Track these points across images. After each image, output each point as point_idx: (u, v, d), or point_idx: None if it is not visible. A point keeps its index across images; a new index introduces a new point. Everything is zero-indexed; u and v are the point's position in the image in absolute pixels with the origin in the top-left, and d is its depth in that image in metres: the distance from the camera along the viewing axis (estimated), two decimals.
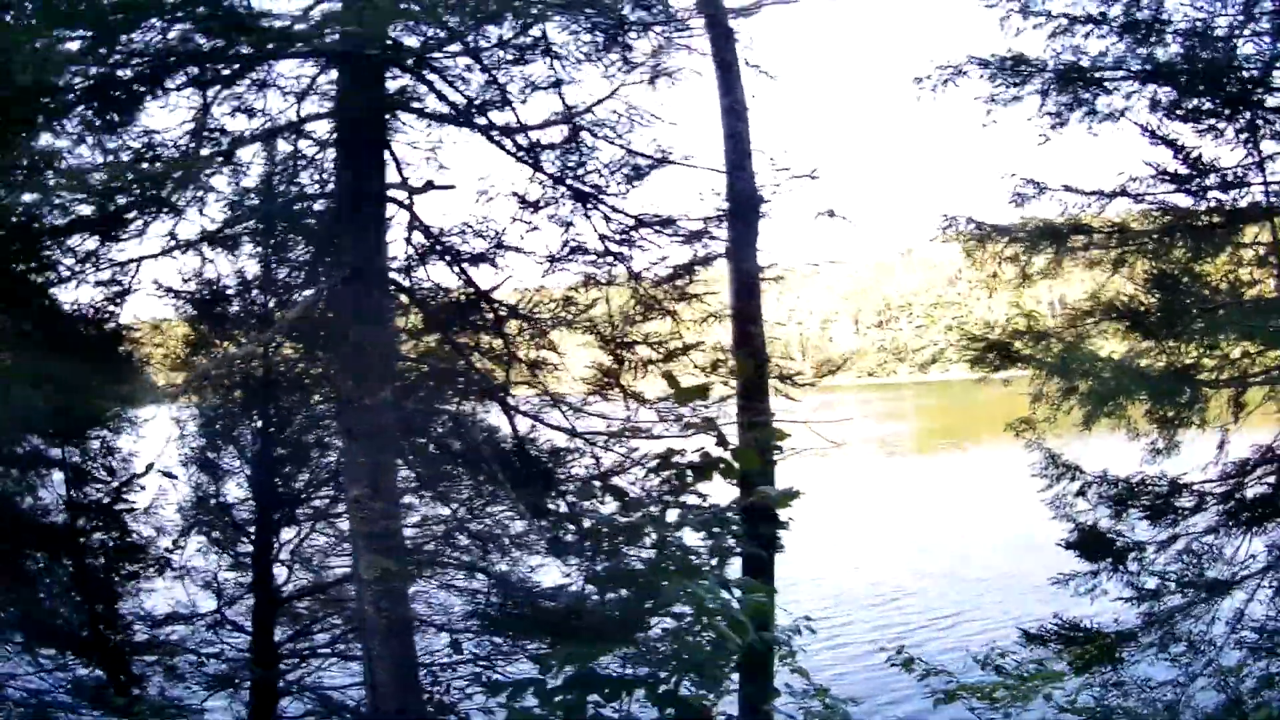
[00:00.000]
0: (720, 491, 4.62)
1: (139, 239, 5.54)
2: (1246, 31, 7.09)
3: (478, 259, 5.83)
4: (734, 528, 4.50)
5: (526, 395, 6.13)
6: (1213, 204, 7.30)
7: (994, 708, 5.34)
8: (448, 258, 5.80)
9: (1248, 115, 7.07)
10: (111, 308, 6.34)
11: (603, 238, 5.98)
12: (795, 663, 5.42)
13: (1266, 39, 7.10)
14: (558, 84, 5.47)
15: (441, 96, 5.44)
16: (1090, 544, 7.58)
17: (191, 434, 7.32)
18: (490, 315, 5.92)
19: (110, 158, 5.32)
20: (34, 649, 6.87)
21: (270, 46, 4.73)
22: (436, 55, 5.27)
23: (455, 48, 5.29)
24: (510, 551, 5.45)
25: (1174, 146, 7.15)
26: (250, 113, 5.63)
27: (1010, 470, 8.70)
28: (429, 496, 5.86)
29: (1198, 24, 7.08)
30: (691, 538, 4.50)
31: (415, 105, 5.53)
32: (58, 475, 6.98)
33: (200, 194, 5.55)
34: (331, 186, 5.58)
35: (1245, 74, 7.08)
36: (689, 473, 4.48)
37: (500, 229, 5.87)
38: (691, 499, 4.55)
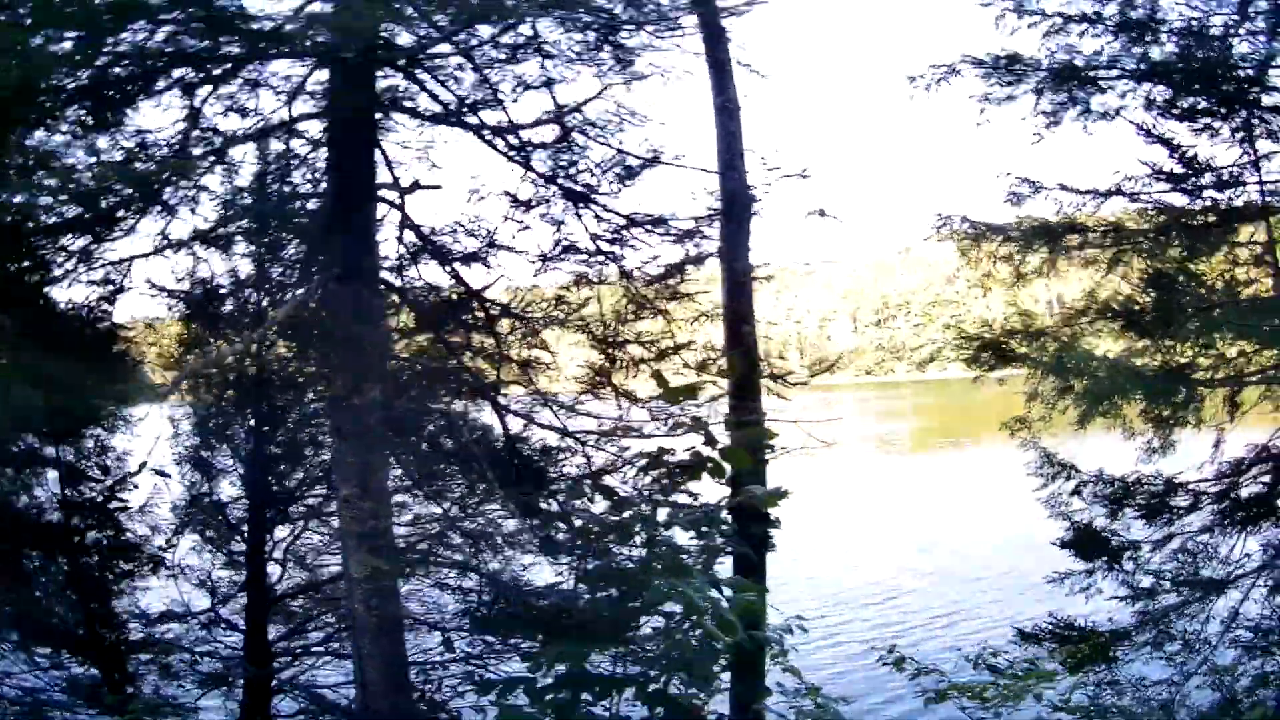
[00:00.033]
0: (713, 491, 4.62)
1: (130, 238, 5.54)
2: (1242, 31, 7.08)
3: (469, 258, 5.83)
4: (724, 527, 4.50)
5: (518, 395, 6.13)
6: (1208, 203, 7.31)
7: (985, 707, 5.34)
8: (439, 257, 5.79)
9: (1243, 114, 7.07)
10: (105, 307, 6.34)
11: (594, 237, 5.99)
12: (787, 662, 5.41)
13: (1262, 38, 7.09)
14: (549, 83, 5.47)
15: (433, 96, 5.43)
16: (1085, 543, 7.59)
17: (185, 433, 7.34)
18: (482, 314, 5.92)
19: (102, 157, 5.32)
20: (29, 647, 6.88)
21: (261, 46, 4.72)
22: (428, 54, 5.26)
23: (446, 47, 5.28)
24: (502, 550, 5.44)
25: (1169, 145, 7.15)
26: (242, 112, 5.62)
27: (1007, 469, 8.70)
28: (420, 495, 5.86)
29: (1193, 23, 7.07)
30: (681, 537, 4.50)
31: (407, 105, 5.53)
32: (52, 474, 6.99)
33: (193, 193, 5.55)
34: (323, 186, 5.58)
35: (1240, 73, 7.07)
36: (678, 472, 4.48)
37: (492, 228, 5.88)
38: (682, 498, 4.55)
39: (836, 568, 16.91)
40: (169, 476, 7.26)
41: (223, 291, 6.65)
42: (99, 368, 6.42)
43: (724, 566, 5.00)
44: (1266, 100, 7.10)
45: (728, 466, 4.43)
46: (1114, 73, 7.01)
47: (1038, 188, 7.39)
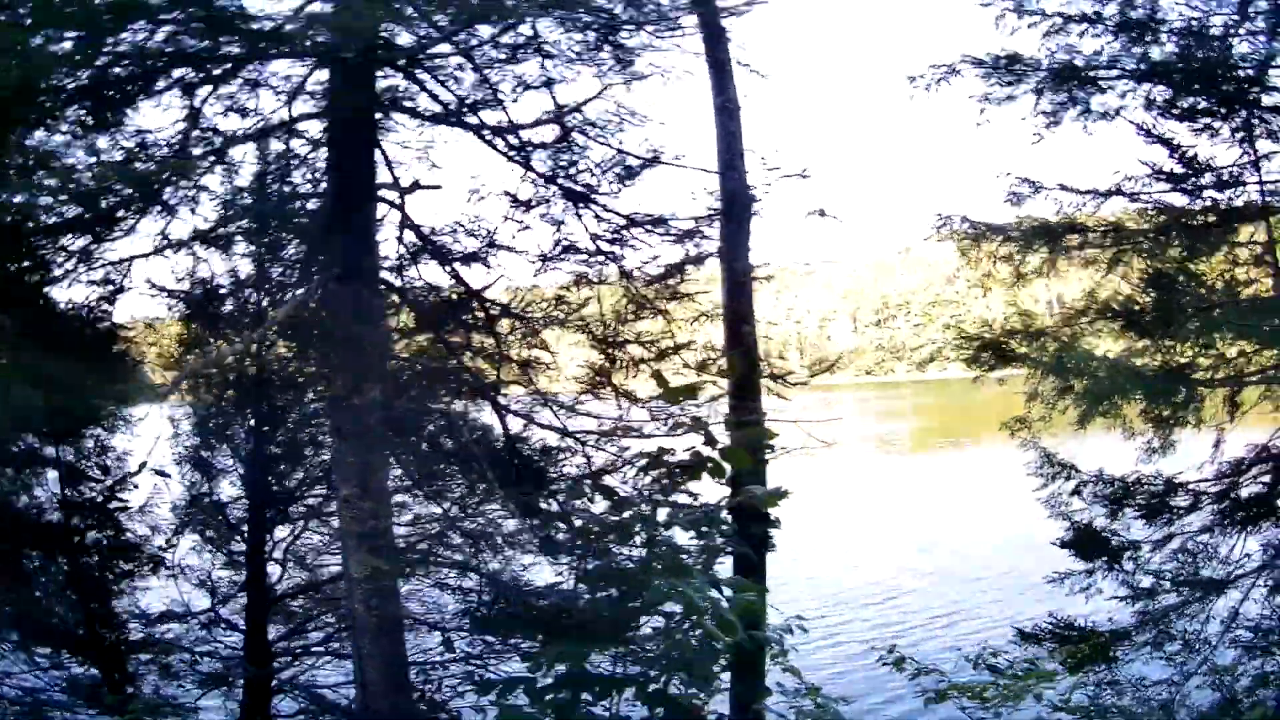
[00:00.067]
0: (714, 491, 4.62)
1: (130, 238, 5.54)
2: (1242, 31, 7.08)
3: (469, 258, 5.83)
4: (723, 527, 4.50)
5: (518, 394, 6.13)
6: (1208, 203, 7.31)
7: (985, 707, 5.34)
8: (439, 257, 5.79)
9: (1243, 114, 7.07)
10: (105, 307, 6.34)
11: (594, 237, 5.98)
12: (787, 662, 5.41)
13: (1262, 38, 7.09)
14: (549, 83, 5.47)
15: (433, 96, 5.43)
16: (1085, 543, 7.59)
17: (185, 433, 7.34)
18: (482, 314, 5.92)
19: (103, 157, 5.33)
20: (29, 647, 6.88)
21: (261, 46, 4.72)
22: (428, 54, 5.26)
23: (446, 47, 5.28)
24: (502, 550, 5.44)
25: (1169, 145, 7.15)
26: (243, 112, 5.62)
27: (1008, 469, 8.70)
28: (421, 495, 5.86)
29: (1193, 23, 7.07)
30: (681, 537, 4.50)
31: (407, 105, 5.53)
32: (52, 474, 6.99)
33: (193, 193, 5.55)
34: (323, 186, 5.58)
35: (1241, 73, 7.07)
36: (678, 472, 4.47)
37: (492, 228, 5.88)
38: (683, 498, 4.55)
39: (837, 568, 16.92)
40: (169, 476, 7.27)
41: (223, 291, 6.65)
42: (99, 368, 6.42)
43: (724, 566, 4.99)
44: (1266, 100, 7.10)
45: (728, 466, 4.43)
46: (1114, 73, 7.02)
47: (1038, 188, 7.39)
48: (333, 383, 5.26)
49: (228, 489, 7.44)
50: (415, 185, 5.34)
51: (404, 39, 5.19)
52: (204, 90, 5.36)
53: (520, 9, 4.72)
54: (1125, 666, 7.36)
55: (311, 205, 5.72)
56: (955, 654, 7.56)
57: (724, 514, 4.50)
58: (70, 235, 5.69)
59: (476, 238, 5.86)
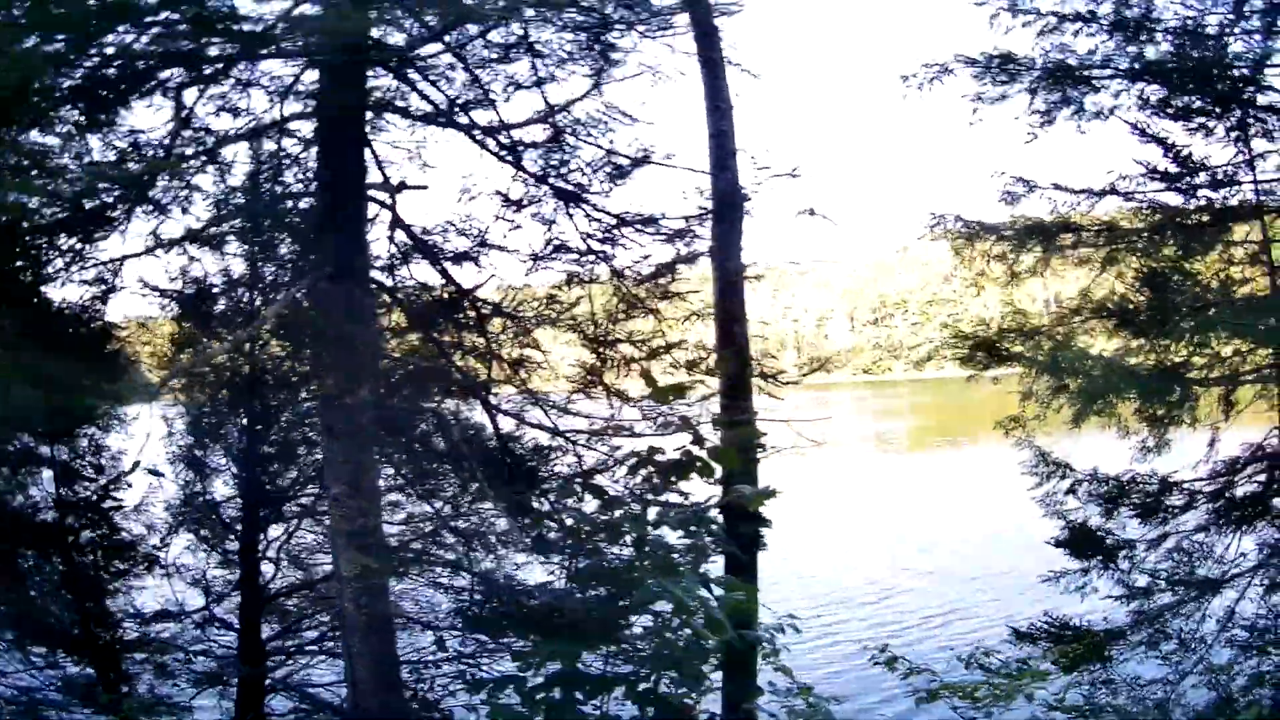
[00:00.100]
0: (708, 490, 4.62)
1: (122, 238, 5.55)
2: (1237, 30, 7.07)
3: (460, 257, 5.83)
4: (713, 526, 4.50)
5: (510, 394, 6.13)
6: (1203, 202, 7.30)
7: (976, 706, 5.34)
8: (430, 256, 5.80)
9: (1238, 113, 7.06)
10: (98, 306, 6.35)
11: (585, 236, 5.98)
12: (778, 661, 5.41)
13: (1257, 37, 7.08)
14: (540, 83, 5.47)
15: (424, 96, 5.44)
16: (1080, 542, 7.58)
17: (179, 432, 7.36)
18: (473, 314, 5.92)
19: (95, 156, 5.34)
20: (25, 646, 6.89)
21: (249, 47, 4.73)
22: (418, 55, 5.27)
23: (437, 47, 5.29)
24: (493, 549, 5.45)
25: (1164, 145, 7.15)
26: (234, 112, 5.63)
27: (1005, 468, 8.69)
28: (412, 494, 5.87)
29: (1188, 22, 7.07)
30: (672, 536, 4.50)
31: (398, 105, 5.53)
32: (47, 473, 7.00)
33: (184, 193, 5.57)
34: (314, 185, 5.58)
35: (1235, 72, 7.06)
36: (667, 471, 4.47)
37: (483, 227, 5.89)
38: (673, 497, 4.55)
39: (834, 567, 16.92)
40: (162, 475, 7.28)
41: (215, 291, 6.67)
42: (93, 367, 6.43)
43: (716, 566, 4.99)
44: (1261, 99, 7.09)
45: (716, 466, 4.43)
46: (1107, 72, 7.01)
47: (1032, 187, 7.38)
48: (324, 381, 5.27)
49: (221, 488, 7.45)
50: (402, 185, 5.35)
51: (395, 39, 5.20)
52: (196, 90, 5.38)
53: (511, 8, 4.72)
54: (1120, 666, 7.34)
55: (303, 205, 5.72)
56: (950, 654, 7.56)
57: (712, 513, 4.50)
58: (62, 235, 5.71)
59: (468, 237, 5.87)
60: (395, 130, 5.62)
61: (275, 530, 7.33)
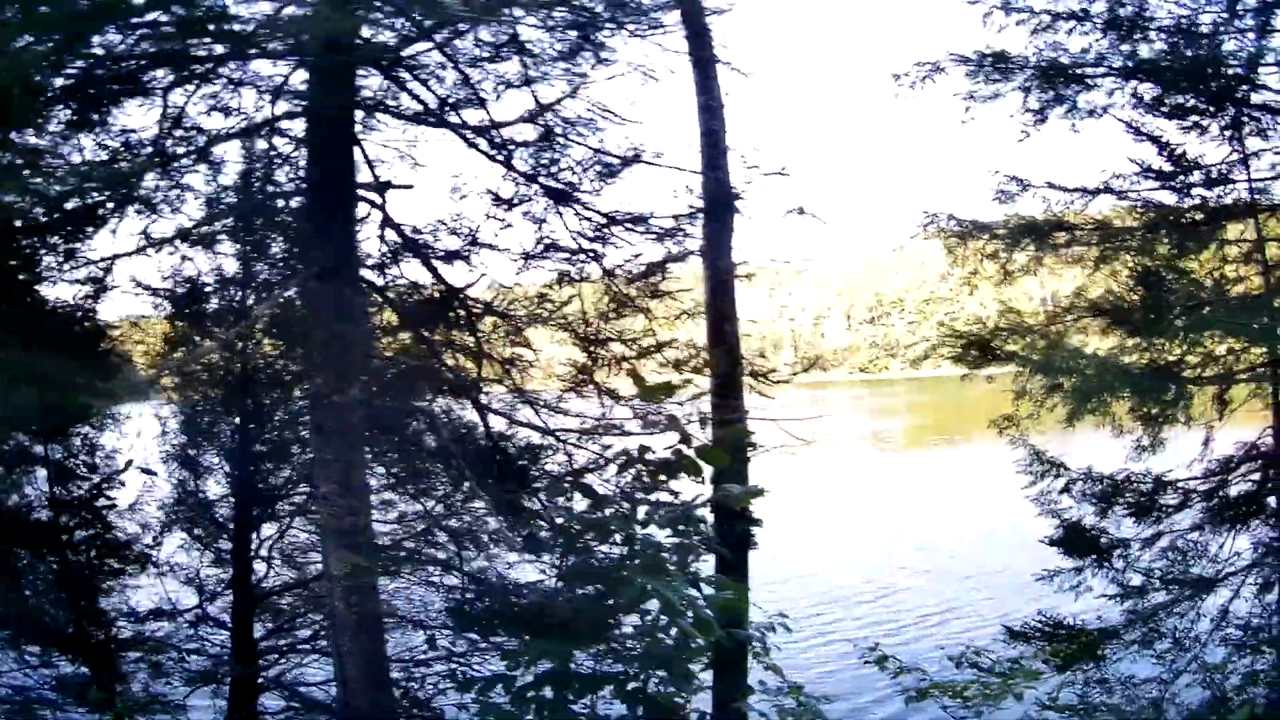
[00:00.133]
0: (700, 489, 4.61)
1: (113, 236, 5.56)
2: (1230, 28, 7.06)
3: (452, 256, 5.83)
4: (701, 525, 4.49)
5: (500, 393, 6.13)
6: (1197, 201, 7.30)
7: (966, 706, 5.33)
8: (421, 256, 5.79)
9: (1232, 112, 7.06)
10: (91, 305, 6.36)
11: (576, 235, 5.99)
12: (769, 660, 5.41)
13: (1251, 35, 7.07)
14: (530, 82, 5.46)
15: (414, 96, 5.44)
16: (1075, 541, 7.58)
17: (172, 430, 7.36)
18: (464, 313, 5.92)
19: (86, 155, 5.35)
20: (20, 645, 6.90)
21: (237, 47, 4.72)
22: (409, 55, 5.27)
23: (427, 47, 5.29)
24: (484, 549, 5.45)
25: (1158, 143, 7.15)
26: (226, 111, 5.63)
27: (1002, 466, 8.69)
28: (403, 493, 5.87)
29: (1181, 21, 7.06)
30: (661, 536, 4.50)
31: (390, 105, 5.53)
32: (41, 472, 7.01)
33: (175, 191, 5.57)
34: (305, 185, 5.59)
35: (1229, 70, 7.05)
36: (655, 470, 4.47)
37: (474, 226, 5.88)
38: (664, 497, 4.54)
39: (830, 566, 16.90)
40: (155, 474, 7.29)
41: (208, 290, 6.67)
42: (87, 366, 6.44)
43: (707, 565, 4.99)
44: (1255, 98, 7.09)
45: (704, 465, 4.42)
46: (1101, 70, 7.00)
47: (1026, 185, 7.38)
48: (313, 380, 5.27)
49: (214, 487, 7.45)
50: (387, 184, 5.35)
51: (384, 37, 5.20)
52: (187, 89, 5.38)
53: (495, 7, 4.71)
54: (1114, 665, 7.34)
55: (294, 204, 5.72)
56: (950, 652, 7.54)
57: (701, 512, 4.49)
58: (54, 234, 5.72)
59: (459, 236, 5.87)
60: (386, 130, 5.62)
61: (268, 529, 7.33)
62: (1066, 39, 7.11)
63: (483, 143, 5.67)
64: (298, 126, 5.72)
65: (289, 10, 4.85)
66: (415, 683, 6.50)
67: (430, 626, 6.26)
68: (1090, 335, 7.47)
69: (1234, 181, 7.14)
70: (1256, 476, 7.35)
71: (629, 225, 5.87)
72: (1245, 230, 7.29)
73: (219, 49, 4.95)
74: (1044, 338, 7.39)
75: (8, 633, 6.81)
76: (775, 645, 5.32)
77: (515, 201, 5.88)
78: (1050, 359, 7.22)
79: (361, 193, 5.41)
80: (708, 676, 5.30)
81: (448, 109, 5.50)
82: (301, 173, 5.71)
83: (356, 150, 5.42)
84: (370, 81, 5.46)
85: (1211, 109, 7.04)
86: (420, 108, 5.49)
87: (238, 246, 6.12)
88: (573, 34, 5.36)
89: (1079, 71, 7.03)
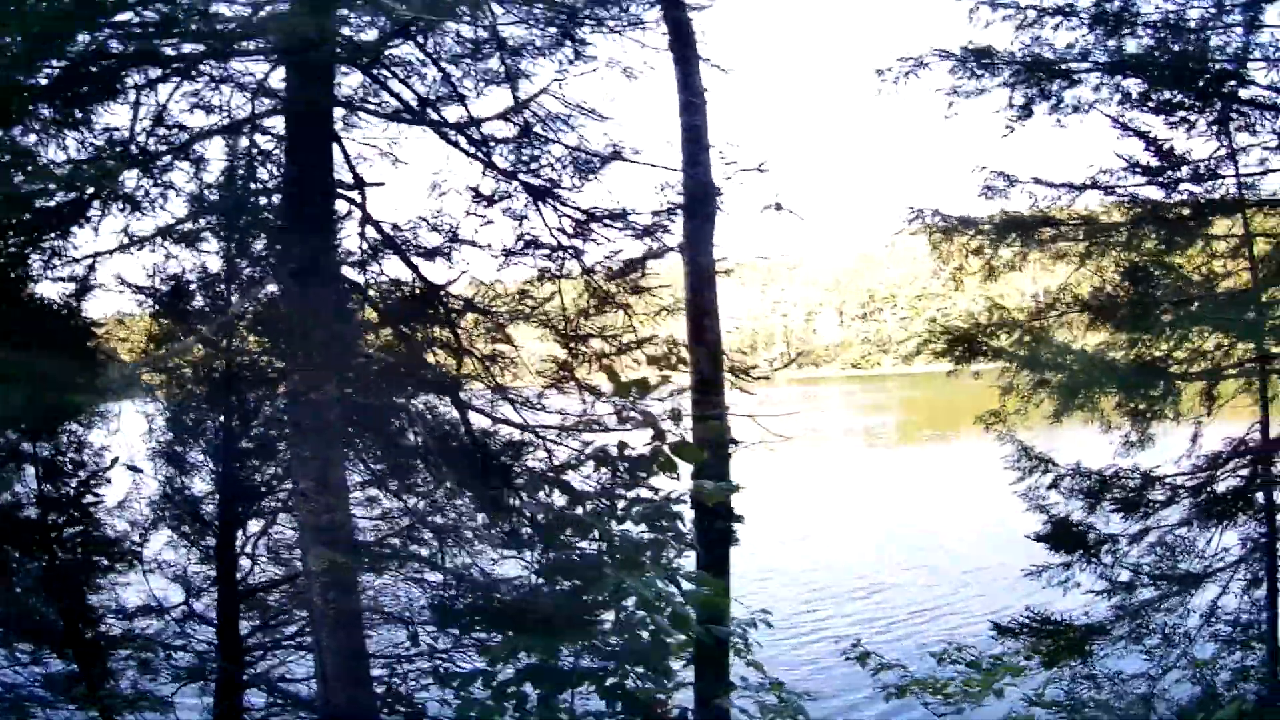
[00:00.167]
0: (681, 485, 4.61)
1: (95, 234, 5.58)
2: (1218, 23, 7.04)
3: (432, 253, 5.84)
4: (677, 521, 4.49)
5: (481, 389, 6.13)
6: (1184, 196, 7.28)
7: (948, 702, 5.33)
8: (401, 253, 5.80)
9: (1219, 107, 7.03)
10: (75, 303, 6.37)
11: (556, 231, 5.98)
12: (751, 656, 5.41)
13: (1238, 30, 7.06)
14: (510, 79, 5.47)
15: (394, 94, 5.45)
16: (1062, 536, 7.56)
17: (158, 428, 7.37)
18: (444, 310, 5.93)
19: (71, 153, 5.37)
20: (9, 642, 6.92)
21: (216, 46, 4.74)
22: (388, 53, 5.27)
23: (408, 45, 5.30)
24: (467, 545, 5.46)
25: (1145, 138, 7.13)
26: (208, 109, 5.65)
27: (993, 462, 8.68)
28: (383, 490, 5.88)
29: (1169, 15, 7.04)
30: (638, 532, 4.50)
31: (370, 102, 5.55)
32: (29, 470, 7.02)
33: (157, 189, 5.59)
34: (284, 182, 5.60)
35: (1216, 65, 7.02)
36: (631, 466, 4.47)
37: (454, 223, 5.89)
38: (644, 493, 4.55)
39: (820, 562, 16.87)
40: (141, 471, 7.30)
41: (192, 287, 6.68)
42: (73, 363, 6.45)
43: (688, 561, 4.98)
44: (1243, 93, 7.07)
45: (680, 462, 4.42)
46: (1086, 65, 6.98)
47: (1013, 181, 7.35)
48: (290, 377, 5.28)
49: (199, 484, 7.46)
50: (361, 182, 5.36)
51: (365, 35, 5.21)
52: (169, 87, 5.40)
53: (474, 3, 4.72)
54: (1102, 660, 7.33)
55: (276, 201, 5.73)
56: (938, 648, 7.54)
57: (676, 508, 4.49)
58: (38, 232, 5.74)
59: (439, 233, 5.88)
60: (367, 127, 5.63)
61: (253, 525, 7.34)
62: (1053, 34, 7.09)
63: (463, 140, 5.68)
64: (279, 124, 5.73)
65: (268, 8, 4.87)
66: (398, 679, 6.51)
67: (413, 623, 6.27)
68: (1077, 331, 7.44)
69: (1221, 177, 7.12)
70: (1244, 472, 7.33)
71: (609, 222, 5.87)
72: (1233, 225, 7.27)
73: (200, 47, 4.97)
74: (1030, 333, 7.37)
75: None
76: (757, 642, 5.33)
77: (495, 198, 5.88)
78: (1036, 354, 7.20)
79: (341, 190, 5.42)
80: (689, 673, 5.29)
81: (428, 106, 5.51)
82: (283, 170, 5.71)
83: (336, 148, 5.43)
84: (350, 79, 5.48)
85: (1199, 104, 7.02)
86: (400, 105, 5.50)
87: (221, 244, 6.12)
88: (553, 30, 5.37)
89: (1064, 67, 7.01)
